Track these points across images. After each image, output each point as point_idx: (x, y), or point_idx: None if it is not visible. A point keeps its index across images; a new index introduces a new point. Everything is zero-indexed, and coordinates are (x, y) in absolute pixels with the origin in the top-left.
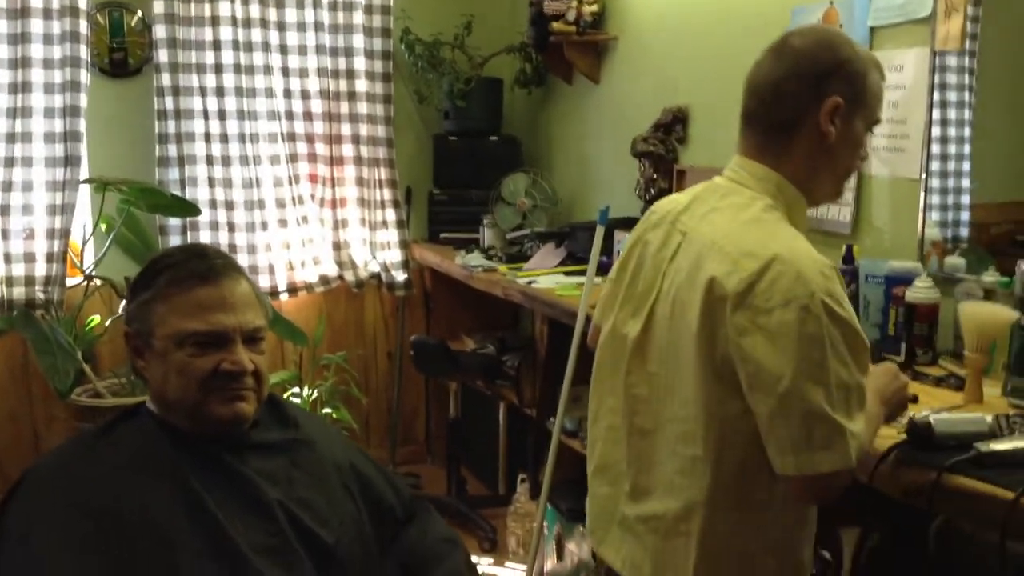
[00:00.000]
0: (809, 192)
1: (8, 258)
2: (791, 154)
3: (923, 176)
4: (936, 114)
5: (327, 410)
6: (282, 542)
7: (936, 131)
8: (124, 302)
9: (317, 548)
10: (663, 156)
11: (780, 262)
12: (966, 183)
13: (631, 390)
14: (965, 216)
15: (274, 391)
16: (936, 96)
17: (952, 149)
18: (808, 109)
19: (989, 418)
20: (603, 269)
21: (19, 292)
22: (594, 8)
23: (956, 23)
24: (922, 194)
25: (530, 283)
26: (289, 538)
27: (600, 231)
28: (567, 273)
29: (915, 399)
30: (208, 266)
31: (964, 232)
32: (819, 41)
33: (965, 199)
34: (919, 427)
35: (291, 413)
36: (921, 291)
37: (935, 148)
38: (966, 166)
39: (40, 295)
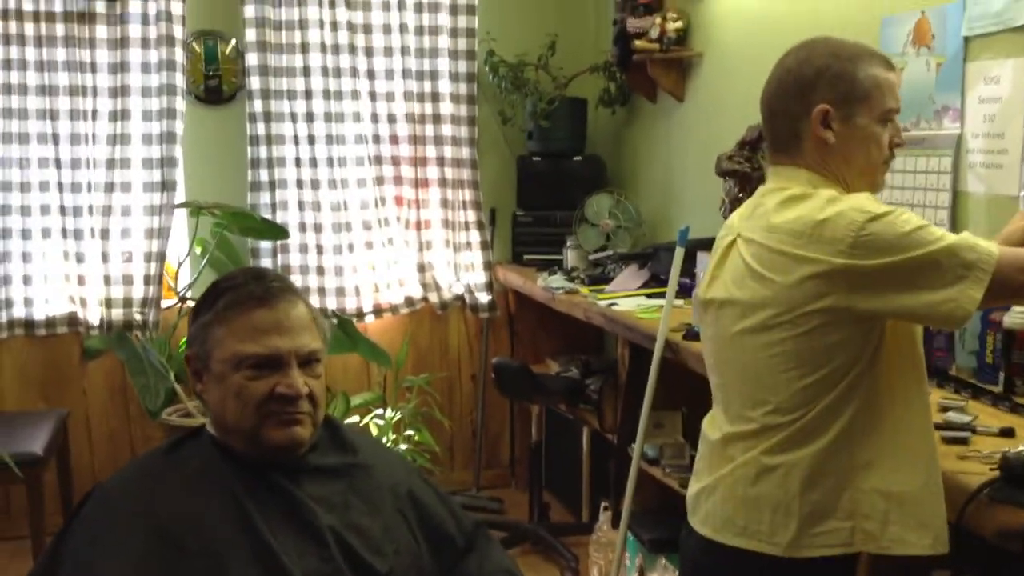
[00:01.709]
0: (843, 187)
1: (108, 280)
2: (806, 160)
3: (1023, 193)
4: None
5: (409, 432)
6: (334, 569)
7: None
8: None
9: None
10: (748, 174)
11: (827, 219)
12: None
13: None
14: None
15: (332, 415)
16: None
17: None
18: (800, 121)
19: None
20: (684, 291)
21: (118, 313)
22: (678, 25)
23: None
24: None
25: (611, 305)
26: (340, 565)
27: (680, 252)
28: (649, 295)
29: None
30: (265, 289)
31: None
32: (802, 58)
33: None
34: (1013, 463)
35: (349, 438)
36: (1021, 316)
37: None
38: None
39: (137, 316)
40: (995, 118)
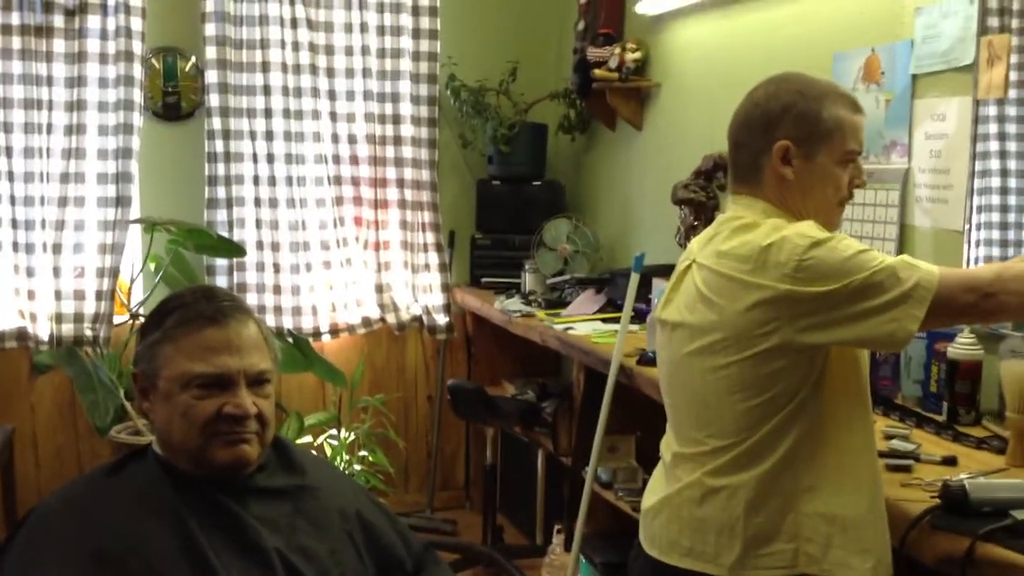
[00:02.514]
0: (798, 221)
1: (59, 295)
2: (764, 192)
3: (966, 227)
4: (979, 165)
5: (363, 453)
6: None
7: (978, 183)
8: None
9: None
10: (704, 203)
11: (771, 244)
12: (1012, 235)
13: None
14: None
15: (282, 436)
16: (979, 147)
17: (995, 200)
18: (762, 155)
19: None
20: (639, 316)
21: (68, 329)
22: (637, 55)
23: (999, 72)
24: (965, 246)
25: (567, 329)
26: None
27: (635, 278)
28: (605, 320)
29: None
30: (216, 308)
31: None
32: (771, 92)
33: (1012, 252)
34: (953, 491)
35: (298, 459)
36: (964, 347)
37: (977, 200)
38: (1011, 217)
39: (88, 332)
40: (941, 154)
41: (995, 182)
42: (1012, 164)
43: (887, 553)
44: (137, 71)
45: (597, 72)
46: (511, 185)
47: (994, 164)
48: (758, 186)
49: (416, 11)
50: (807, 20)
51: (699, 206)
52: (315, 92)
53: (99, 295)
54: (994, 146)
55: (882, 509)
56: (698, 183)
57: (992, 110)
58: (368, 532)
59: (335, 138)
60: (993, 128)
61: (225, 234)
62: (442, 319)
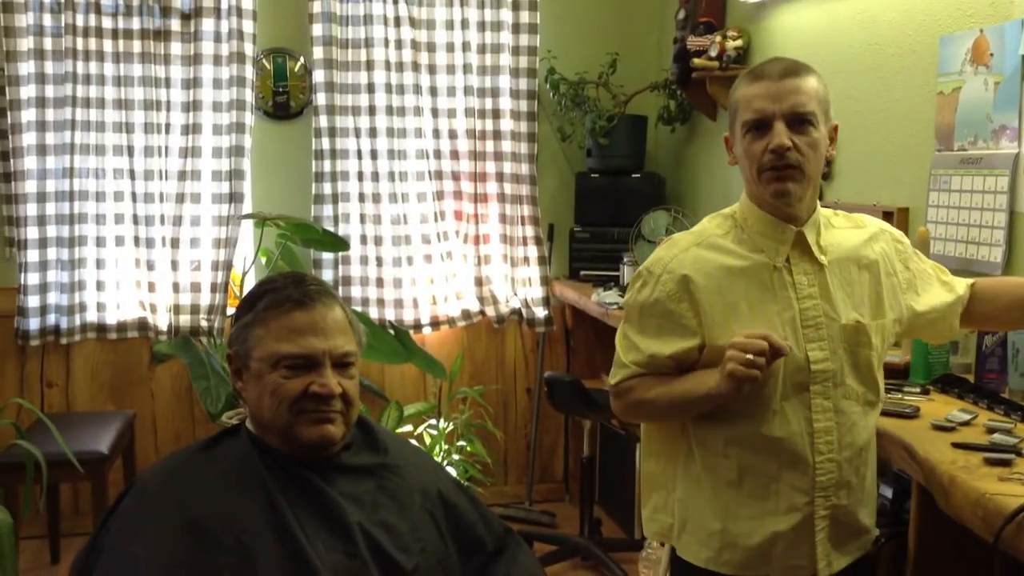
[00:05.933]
0: (754, 198)
1: (176, 287)
2: None
3: None
4: None
5: (461, 443)
6: (359, 564)
7: None
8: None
9: (394, 572)
10: None
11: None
12: None
13: None
14: None
15: (366, 416)
16: None
17: None
18: None
19: None
20: None
21: (185, 320)
22: (738, 43)
23: None
24: None
25: None
26: (366, 560)
27: None
28: None
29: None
30: (303, 292)
31: None
32: None
33: None
34: None
35: (382, 438)
36: None
37: None
38: None
39: (203, 323)
40: None
41: None
42: None
43: (728, 552)
44: (249, 72)
45: (696, 61)
46: (610, 178)
47: None
48: None
49: (516, 6)
50: (912, 2)
51: None
52: (417, 89)
53: (214, 287)
54: None
55: (740, 514)
56: None
57: None
58: (449, 511)
59: (436, 134)
60: None
61: (331, 228)
62: (541, 312)
